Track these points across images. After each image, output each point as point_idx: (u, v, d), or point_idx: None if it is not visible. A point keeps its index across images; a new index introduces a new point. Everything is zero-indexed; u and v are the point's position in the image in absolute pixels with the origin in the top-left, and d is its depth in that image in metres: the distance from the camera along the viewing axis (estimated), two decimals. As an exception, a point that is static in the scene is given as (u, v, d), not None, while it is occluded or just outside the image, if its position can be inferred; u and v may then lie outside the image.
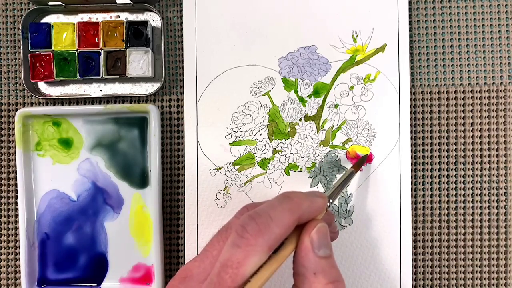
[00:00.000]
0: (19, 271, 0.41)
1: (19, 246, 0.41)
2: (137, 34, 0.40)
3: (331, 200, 0.31)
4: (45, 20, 0.42)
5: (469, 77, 0.40)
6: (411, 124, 0.40)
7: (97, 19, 0.42)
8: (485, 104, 0.40)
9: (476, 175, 0.40)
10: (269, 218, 0.25)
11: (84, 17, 0.42)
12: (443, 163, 0.40)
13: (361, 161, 0.39)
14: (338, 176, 0.40)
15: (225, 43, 0.40)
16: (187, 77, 0.40)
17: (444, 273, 0.40)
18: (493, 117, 0.40)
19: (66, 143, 0.41)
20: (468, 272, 0.40)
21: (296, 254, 0.27)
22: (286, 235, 0.26)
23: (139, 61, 0.40)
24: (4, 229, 0.42)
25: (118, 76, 0.40)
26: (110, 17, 0.42)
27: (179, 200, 0.41)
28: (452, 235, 0.40)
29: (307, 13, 0.40)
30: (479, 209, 0.40)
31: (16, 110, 0.41)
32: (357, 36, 0.40)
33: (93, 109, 0.40)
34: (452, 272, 0.40)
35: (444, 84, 0.40)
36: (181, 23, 0.41)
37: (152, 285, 0.40)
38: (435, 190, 0.40)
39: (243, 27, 0.40)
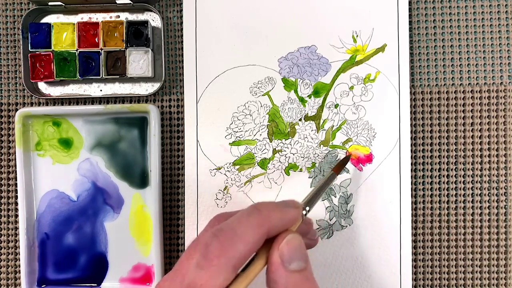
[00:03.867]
0: (19, 271, 0.41)
1: (19, 246, 0.40)
2: (137, 34, 0.40)
3: (307, 208, 0.29)
4: (45, 20, 0.42)
5: (469, 77, 0.40)
6: (411, 124, 0.40)
7: (97, 19, 0.42)
8: (485, 104, 0.40)
9: (476, 175, 0.40)
10: (234, 234, 0.24)
11: (84, 17, 0.42)
12: (443, 163, 0.40)
13: (342, 162, 0.37)
14: (338, 176, 0.40)
15: (225, 43, 0.40)
16: (187, 77, 0.40)
17: (444, 273, 0.40)
18: (493, 117, 0.40)
19: (66, 143, 0.41)
20: (468, 272, 0.40)
21: (267, 269, 0.26)
22: (253, 251, 0.25)
23: (139, 61, 0.40)
24: (4, 229, 0.42)
25: (118, 76, 0.40)
26: (110, 17, 0.42)
27: (179, 200, 0.41)
28: (452, 235, 0.40)
29: (307, 13, 0.40)
30: (479, 209, 0.40)
31: (16, 110, 0.41)
32: (357, 36, 0.40)
33: (93, 109, 0.40)
34: (452, 272, 0.40)
35: (444, 84, 0.40)
36: (181, 23, 0.41)
37: (152, 285, 0.40)
38: (435, 190, 0.40)
39: (243, 27, 0.40)
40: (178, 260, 0.26)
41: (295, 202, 0.28)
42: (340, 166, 0.37)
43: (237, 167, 0.40)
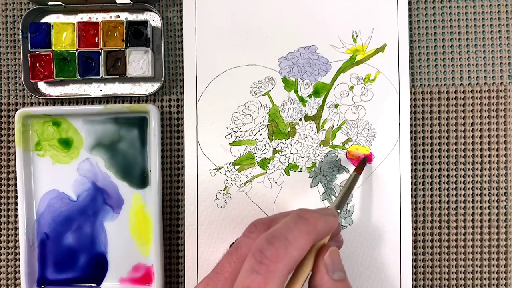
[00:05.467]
0: (19, 271, 0.41)
1: (18, 246, 0.40)
2: (137, 34, 0.40)
3: (339, 211, 0.31)
4: (45, 20, 0.42)
5: (469, 77, 0.40)
6: (411, 124, 0.40)
7: (97, 19, 0.41)
8: (485, 104, 0.40)
9: (476, 175, 0.40)
10: (287, 241, 0.25)
11: (84, 17, 0.42)
12: (443, 163, 0.40)
13: (363, 162, 0.38)
14: (339, 176, 0.40)
15: (225, 43, 0.40)
16: (187, 77, 0.40)
17: (444, 273, 0.40)
18: (493, 117, 0.40)
19: (66, 143, 0.41)
20: (468, 272, 0.40)
21: (311, 278, 0.27)
22: (302, 257, 0.26)
23: (139, 61, 0.40)
24: (4, 229, 0.42)
25: (118, 76, 0.40)
26: (110, 17, 0.42)
27: (179, 200, 0.41)
28: (452, 235, 0.40)
29: (307, 13, 0.40)
30: (479, 209, 0.40)
31: (16, 110, 0.41)
32: (357, 36, 0.40)
33: (93, 109, 0.40)
34: (452, 272, 0.40)
35: (444, 84, 0.40)
36: (181, 23, 0.41)
37: (152, 285, 0.40)
38: (435, 190, 0.40)
39: (243, 27, 0.40)
40: (217, 264, 0.27)
41: (332, 210, 0.30)
42: (361, 166, 0.38)
43: (237, 167, 0.40)
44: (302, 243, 0.25)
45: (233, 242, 0.29)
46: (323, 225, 0.27)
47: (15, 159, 0.41)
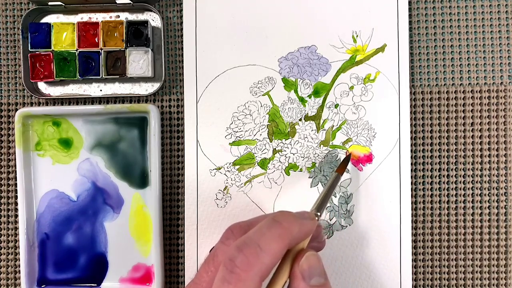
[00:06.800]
0: (19, 271, 0.41)
1: (19, 246, 0.40)
2: (137, 34, 0.40)
3: (319, 214, 0.30)
4: (45, 20, 0.42)
5: (469, 77, 0.40)
6: (411, 124, 0.40)
7: (97, 19, 0.41)
8: (485, 104, 0.40)
9: (476, 175, 0.40)
10: (258, 248, 0.24)
11: (84, 17, 0.42)
12: (443, 163, 0.40)
13: (344, 162, 0.38)
14: (338, 176, 0.40)
15: (225, 43, 0.40)
16: (187, 77, 0.40)
17: (444, 273, 0.40)
18: (493, 117, 0.40)
19: (66, 143, 0.41)
20: (468, 272, 0.40)
21: (289, 285, 0.26)
22: (277, 262, 0.25)
23: (139, 61, 0.40)
24: (4, 229, 0.42)
25: (118, 76, 0.40)
26: (110, 17, 0.42)
27: (179, 200, 0.41)
28: (452, 235, 0.40)
29: (307, 13, 0.40)
30: (479, 209, 0.40)
31: (16, 110, 0.41)
32: (357, 36, 0.40)
33: (93, 109, 0.40)
34: (452, 272, 0.40)
35: (444, 84, 0.40)
36: (181, 23, 0.41)
37: (152, 285, 0.40)
38: (435, 190, 0.40)
39: (243, 27, 0.40)
40: (196, 274, 0.27)
41: (310, 214, 0.29)
42: (342, 166, 0.37)
43: (237, 167, 0.40)
44: (274, 249, 0.24)
45: (213, 247, 0.28)
46: (298, 229, 0.26)
47: (15, 159, 0.41)
